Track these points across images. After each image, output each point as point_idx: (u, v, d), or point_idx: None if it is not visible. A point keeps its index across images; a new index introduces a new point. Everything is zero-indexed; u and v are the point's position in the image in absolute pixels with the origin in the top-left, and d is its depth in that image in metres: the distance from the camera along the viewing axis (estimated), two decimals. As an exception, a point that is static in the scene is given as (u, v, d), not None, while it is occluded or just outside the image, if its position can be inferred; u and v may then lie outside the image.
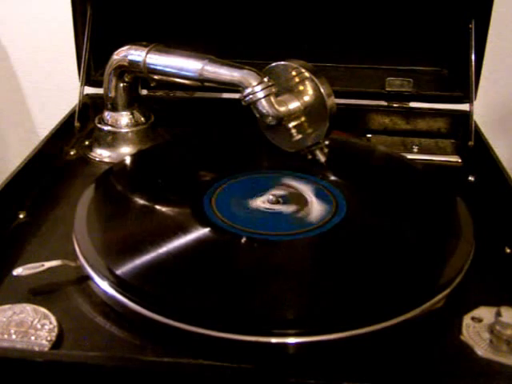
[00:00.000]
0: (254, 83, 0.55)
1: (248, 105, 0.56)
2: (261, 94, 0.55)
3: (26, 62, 0.92)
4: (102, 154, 0.67)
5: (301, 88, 0.58)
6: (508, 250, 0.51)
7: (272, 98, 0.56)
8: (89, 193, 0.55)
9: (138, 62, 0.63)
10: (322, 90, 0.57)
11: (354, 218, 0.52)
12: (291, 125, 0.58)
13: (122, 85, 0.67)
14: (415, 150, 0.71)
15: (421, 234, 0.50)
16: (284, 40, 0.76)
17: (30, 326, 0.40)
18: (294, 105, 0.57)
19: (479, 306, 0.43)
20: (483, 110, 0.82)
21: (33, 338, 0.39)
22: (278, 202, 0.54)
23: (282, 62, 0.58)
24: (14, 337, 0.39)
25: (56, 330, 0.40)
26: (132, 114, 0.69)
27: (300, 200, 0.54)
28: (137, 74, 0.65)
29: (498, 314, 0.39)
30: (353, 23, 0.75)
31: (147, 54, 0.62)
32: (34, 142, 0.64)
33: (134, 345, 0.40)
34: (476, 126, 0.70)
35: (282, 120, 0.57)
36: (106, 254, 0.46)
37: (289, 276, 0.45)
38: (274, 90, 0.56)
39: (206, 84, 0.59)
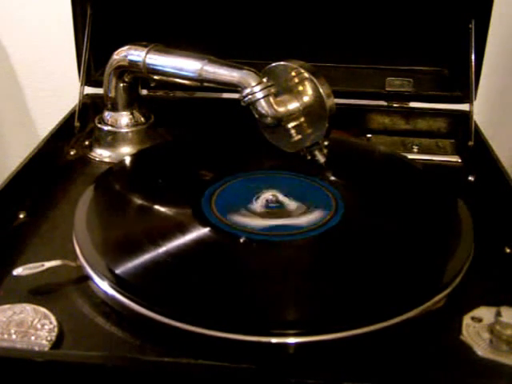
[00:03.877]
0: (253, 83, 0.55)
1: (247, 105, 0.56)
2: (260, 95, 0.55)
3: (26, 62, 0.92)
4: (102, 154, 0.67)
5: (300, 88, 0.58)
6: (508, 250, 0.51)
7: (271, 99, 0.56)
8: (89, 193, 0.55)
9: (138, 62, 0.63)
10: (321, 91, 0.57)
11: (354, 218, 0.52)
12: (290, 125, 0.58)
13: (121, 85, 0.67)
14: (415, 149, 0.71)
15: (421, 234, 0.50)
16: (284, 40, 0.76)
17: (30, 326, 0.40)
18: (293, 105, 0.57)
19: (479, 306, 0.43)
20: (483, 109, 0.82)
21: (33, 337, 0.39)
22: (277, 202, 0.54)
23: (282, 63, 0.58)
24: (14, 337, 0.39)
25: (56, 330, 0.40)
26: (132, 113, 0.69)
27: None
28: (137, 74, 0.65)
29: (498, 314, 0.39)
30: (353, 23, 0.75)
31: (147, 54, 0.62)
32: (34, 142, 0.64)
33: (134, 345, 0.40)
34: (476, 125, 0.70)
35: (281, 120, 0.57)
36: (106, 253, 0.46)
37: (288, 276, 0.45)
38: (273, 90, 0.56)
39: (206, 84, 0.59)
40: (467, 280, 0.45)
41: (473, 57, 0.69)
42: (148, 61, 0.62)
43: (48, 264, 0.45)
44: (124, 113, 0.68)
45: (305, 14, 0.75)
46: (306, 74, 0.57)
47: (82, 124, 0.73)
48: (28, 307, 0.42)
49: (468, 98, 0.70)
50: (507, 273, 0.48)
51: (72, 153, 0.68)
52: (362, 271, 0.45)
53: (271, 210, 0.53)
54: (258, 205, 0.53)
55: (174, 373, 0.36)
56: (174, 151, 0.67)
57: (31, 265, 0.45)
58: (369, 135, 0.74)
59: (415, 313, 0.41)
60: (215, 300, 0.42)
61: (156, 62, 0.62)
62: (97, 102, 0.75)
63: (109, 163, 0.65)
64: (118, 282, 0.43)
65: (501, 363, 0.39)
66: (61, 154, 0.68)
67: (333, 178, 0.59)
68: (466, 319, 0.42)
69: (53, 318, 0.41)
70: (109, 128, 0.68)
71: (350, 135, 0.72)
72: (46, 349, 0.39)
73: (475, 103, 0.70)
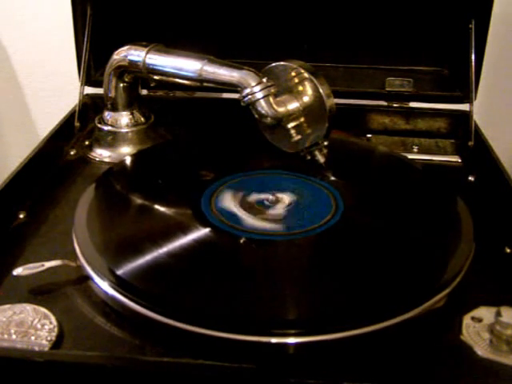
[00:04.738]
0: (253, 83, 0.55)
1: (247, 105, 0.56)
2: (260, 95, 0.55)
3: (26, 63, 0.92)
4: (102, 154, 0.67)
5: (300, 88, 0.58)
6: (508, 250, 0.51)
7: (271, 99, 0.56)
8: (89, 193, 0.55)
9: (138, 62, 0.63)
10: (321, 91, 0.57)
11: (354, 217, 0.52)
12: (290, 125, 0.58)
13: (121, 85, 0.67)
14: (415, 150, 0.71)
15: (421, 234, 0.50)
16: (284, 40, 0.76)
17: (30, 326, 0.40)
18: (293, 105, 0.57)
19: (479, 306, 0.43)
20: (483, 109, 0.82)
21: (33, 338, 0.39)
22: (277, 202, 0.54)
23: (282, 63, 0.58)
24: (14, 337, 0.39)
25: (56, 330, 0.40)
26: (132, 113, 0.69)
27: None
28: (137, 74, 0.65)
29: (498, 314, 0.39)
30: (353, 23, 0.75)
31: (147, 54, 0.62)
32: (34, 142, 0.64)
33: (134, 345, 0.40)
34: (476, 125, 0.70)
35: (281, 121, 0.57)
36: (106, 253, 0.46)
37: (289, 276, 0.45)
38: (273, 90, 0.56)
39: (206, 84, 0.59)
40: (467, 280, 0.45)
41: (473, 57, 0.69)
42: (148, 61, 0.62)
43: (48, 264, 0.45)
44: (124, 113, 0.68)
45: (305, 14, 0.75)
46: (306, 74, 0.57)
47: (82, 124, 0.73)
48: (28, 307, 0.42)
49: (468, 98, 0.70)
50: (507, 273, 0.48)
51: (72, 153, 0.68)
52: (362, 271, 0.45)
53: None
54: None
55: (174, 373, 0.36)
56: (174, 151, 0.67)
57: (31, 265, 0.45)
58: (369, 135, 0.74)
59: (415, 313, 0.41)
60: (215, 300, 0.42)
61: (156, 62, 0.62)
62: (97, 102, 0.75)
63: (109, 163, 0.65)
64: (119, 282, 0.43)
65: (501, 363, 0.39)
66: (61, 154, 0.68)
67: (333, 178, 0.59)
68: (466, 319, 0.42)
69: (53, 318, 0.41)
70: (109, 128, 0.68)
71: (350, 135, 0.72)
72: (46, 349, 0.39)
73: (475, 103, 0.70)
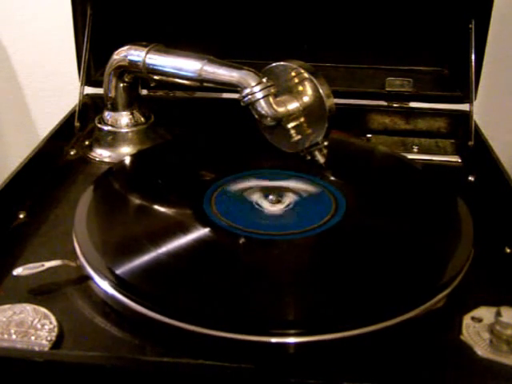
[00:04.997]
0: (253, 83, 0.55)
1: (247, 105, 0.56)
2: (259, 95, 0.55)
3: (26, 63, 0.92)
4: (102, 154, 0.68)
5: (300, 89, 0.58)
6: (508, 250, 0.51)
7: (271, 99, 0.56)
8: (89, 193, 0.55)
9: (138, 62, 0.63)
10: (320, 91, 0.57)
11: (354, 217, 0.52)
12: (290, 125, 0.58)
13: (121, 85, 0.67)
14: (415, 150, 0.71)
15: (421, 234, 0.50)
16: (284, 40, 0.76)
17: (30, 326, 0.40)
18: (293, 105, 0.57)
19: (479, 306, 0.43)
20: (483, 109, 0.82)
21: (33, 338, 0.39)
22: (278, 202, 0.54)
23: (282, 63, 0.58)
24: (14, 337, 0.39)
25: (56, 330, 0.40)
26: (132, 113, 0.69)
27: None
28: (137, 74, 0.65)
29: (498, 314, 0.39)
30: (353, 23, 0.75)
31: (147, 54, 0.62)
32: (34, 142, 0.64)
33: (134, 345, 0.40)
34: (476, 125, 0.70)
35: (280, 121, 0.57)
36: (106, 253, 0.46)
37: (289, 276, 0.45)
38: (272, 90, 0.56)
39: (205, 84, 0.59)
40: (467, 280, 0.45)
41: (473, 57, 0.69)
42: (148, 61, 0.62)
43: (48, 264, 0.45)
44: (124, 113, 0.68)
45: (305, 14, 0.75)
46: (306, 74, 0.57)
47: (82, 124, 0.73)
48: (28, 307, 0.42)
49: (468, 98, 0.70)
50: (507, 273, 0.48)
51: (72, 153, 0.68)
52: (362, 271, 0.45)
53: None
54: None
55: (173, 373, 0.36)
56: (174, 151, 0.67)
57: (31, 265, 0.45)
58: (369, 135, 0.74)
59: (415, 313, 0.41)
60: (215, 300, 0.42)
61: (156, 62, 0.62)
62: (97, 102, 0.75)
63: (109, 163, 0.65)
64: (118, 282, 0.43)
65: (501, 363, 0.39)
66: (61, 154, 0.68)
67: (333, 178, 0.59)
68: (466, 319, 0.42)
69: (53, 318, 0.41)
70: (109, 128, 0.68)
71: (350, 135, 0.72)
72: (46, 349, 0.39)
73: (475, 103, 0.70)
